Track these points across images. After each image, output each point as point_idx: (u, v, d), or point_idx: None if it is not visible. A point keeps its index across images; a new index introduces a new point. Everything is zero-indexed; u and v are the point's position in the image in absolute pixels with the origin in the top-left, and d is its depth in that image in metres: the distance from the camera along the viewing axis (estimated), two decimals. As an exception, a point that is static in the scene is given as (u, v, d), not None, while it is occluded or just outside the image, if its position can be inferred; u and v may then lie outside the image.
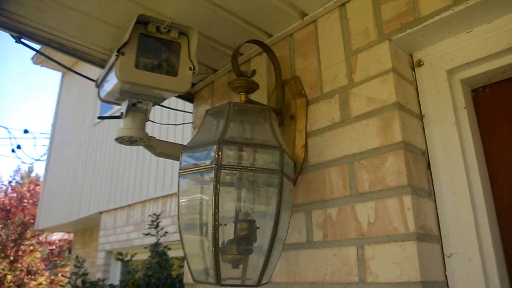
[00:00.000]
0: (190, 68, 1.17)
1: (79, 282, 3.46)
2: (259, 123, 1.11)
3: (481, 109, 1.11)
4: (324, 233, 1.09)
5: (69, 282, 3.54)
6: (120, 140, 1.25)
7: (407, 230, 0.93)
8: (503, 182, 1.04)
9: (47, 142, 10.04)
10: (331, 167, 1.12)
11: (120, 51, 1.09)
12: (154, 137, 1.30)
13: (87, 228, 8.30)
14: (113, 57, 1.11)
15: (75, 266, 3.62)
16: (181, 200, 1.05)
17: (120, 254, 3.57)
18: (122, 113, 1.26)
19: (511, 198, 1.02)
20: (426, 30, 1.05)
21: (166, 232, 3.64)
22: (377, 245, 0.97)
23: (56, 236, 12.17)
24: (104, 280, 3.46)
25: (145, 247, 3.68)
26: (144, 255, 4.04)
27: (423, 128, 1.09)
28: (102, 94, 1.35)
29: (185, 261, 1.17)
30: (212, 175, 0.95)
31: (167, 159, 1.41)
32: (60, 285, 10.85)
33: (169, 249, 3.46)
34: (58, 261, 11.90)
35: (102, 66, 1.47)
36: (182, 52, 1.17)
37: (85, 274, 3.52)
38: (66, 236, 11.89)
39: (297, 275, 1.12)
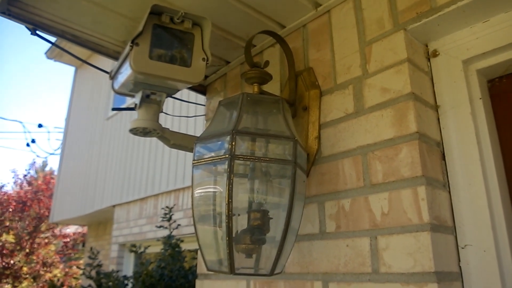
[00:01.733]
0: (203, 59, 1.17)
1: (93, 273, 3.51)
2: (272, 114, 1.11)
3: (497, 100, 1.09)
4: (337, 224, 1.09)
5: (83, 273, 3.59)
6: (134, 131, 1.26)
7: (421, 220, 0.92)
8: (520, 174, 1.03)
9: (61, 136, 10.14)
10: (345, 158, 1.11)
11: (134, 42, 1.09)
12: (168, 129, 1.31)
13: (100, 221, 8.39)
14: (127, 48, 1.11)
15: (90, 257, 3.67)
16: (195, 191, 1.06)
17: (134, 246, 3.61)
18: (136, 104, 1.26)
19: (528, 189, 1.01)
20: (442, 19, 1.04)
21: (179, 225, 3.67)
22: (391, 236, 0.96)
23: (70, 229, 12.36)
24: (117, 271, 3.50)
25: (158, 240, 3.71)
26: (156, 248, 4.09)
27: (438, 119, 1.08)
28: (116, 86, 1.36)
29: (199, 252, 1.18)
30: (225, 165, 0.96)
31: (180, 150, 1.42)
32: (74, 277, 11.01)
33: (182, 241, 3.49)
34: (72, 254, 12.09)
35: (115, 58, 1.48)
36: (195, 43, 1.17)
37: (99, 265, 3.57)
38: (80, 229, 12.06)
39: (310, 265, 1.12)
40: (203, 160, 1.03)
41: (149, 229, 5.77)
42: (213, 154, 1.02)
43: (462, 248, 0.98)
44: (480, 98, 1.06)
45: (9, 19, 1.28)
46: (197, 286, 1.47)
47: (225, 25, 1.38)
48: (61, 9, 1.28)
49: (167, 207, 3.65)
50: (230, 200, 0.93)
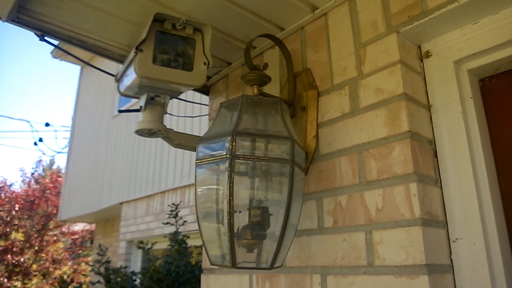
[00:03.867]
0: (204, 63, 1.22)
1: (102, 269, 3.58)
2: (271, 115, 1.16)
3: (488, 99, 1.13)
4: (334, 220, 1.14)
5: (92, 270, 3.67)
6: (139, 132, 1.31)
7: (413, 215, 0.97)
8: (510, 170, 1.07)
9: (68, 135, 10.26)
10: (341, 156, 1.16)
11: (138, 48, 1.14)
12: (172, 129, 1.36)
13: (108, 219, 8.49)
14: (132, 54, 1.17)
15: (98, 254, 3.74)
16: (198, 190, 1.11)
17: (141, 242, 3.68)
18: (141, 106, 1.32)
19: (517, 185, 1.05)
20: (433, 22, 1.08)
21: (185, 222, 3.73)
22: (385, 230, 1.01)
23: (78, 227, 12.48)
24: (125, 267, 3.57)
25: (165, 236, 3.78)
26: (163, 244, 4.15)
27: (431, 118, 1.13)
28: (122, 89, 1.41)
29: (203, 248, 1.23)
30: (226, 165, 1.01)
31: (184, 150, 1.47)
32: (83, 274, 11.14)
33: (188, 237, 3.55)
34: (81, 251, 12.22)
35: (121, 61, 1.53)
36: (197, 48, 1.22)
37: (108, 261, 3.64)
38: (88, 226, 12.18)
39: (309, 259, 1.17)
40: (205, 160, 1.09)
41: (156, 226, 5.85)
42: (215, 154, 1.07)
43: (453, 241, 1.03)
44: (471, 97, 1.10)
45: (18, 26, 1.34)
46: (202, 280, 1.52)
47: (227, 29, 1.43)
48: (68, 16, 1.34)
49: (173, 204, 3.72)
50: (231, 198, 0.98)
